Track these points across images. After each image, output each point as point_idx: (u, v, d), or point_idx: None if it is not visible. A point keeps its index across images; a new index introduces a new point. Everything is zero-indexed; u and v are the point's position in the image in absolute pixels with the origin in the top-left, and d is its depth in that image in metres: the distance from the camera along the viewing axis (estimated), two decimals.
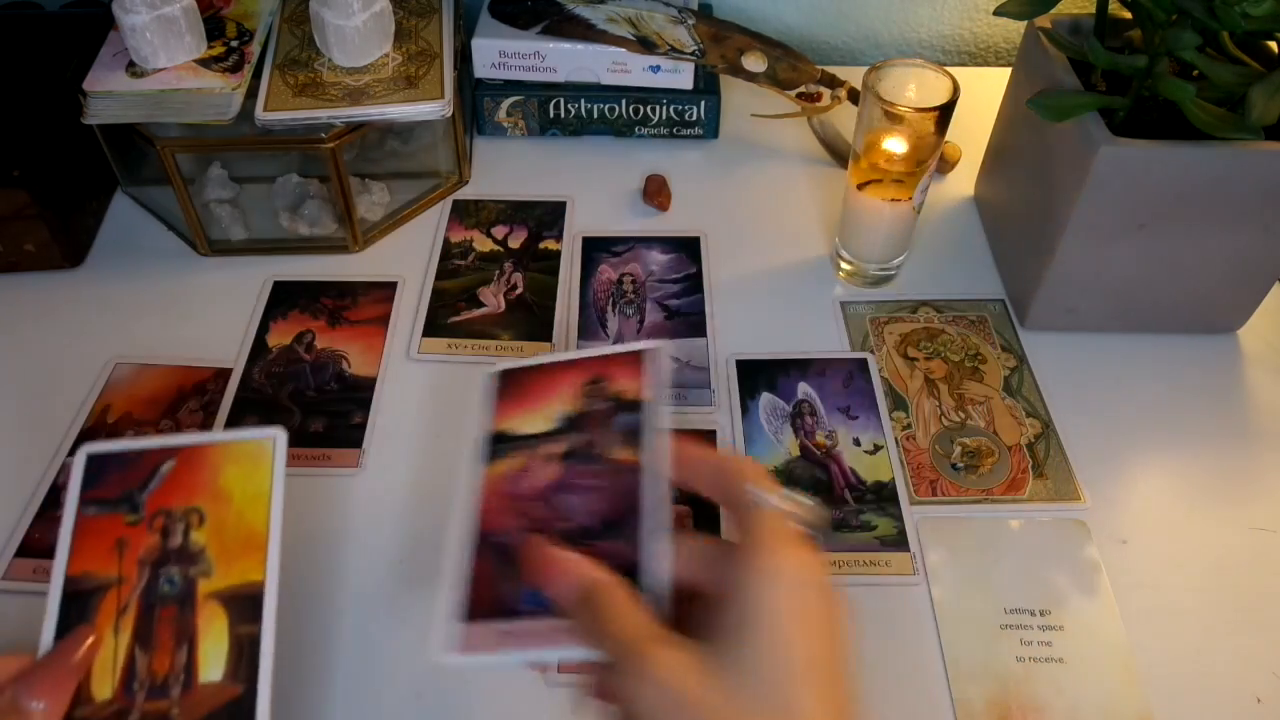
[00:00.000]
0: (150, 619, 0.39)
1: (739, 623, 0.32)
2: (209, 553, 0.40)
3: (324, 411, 0.57)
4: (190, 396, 0.57)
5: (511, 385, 0.46)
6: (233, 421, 0.56)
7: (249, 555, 0.40)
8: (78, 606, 0.39)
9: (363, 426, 0.56)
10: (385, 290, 0.64)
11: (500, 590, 0.39)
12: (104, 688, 0.38)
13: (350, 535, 0.52)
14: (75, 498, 0.41)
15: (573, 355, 0.45)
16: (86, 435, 0.55)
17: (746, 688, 0.31)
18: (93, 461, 0.42)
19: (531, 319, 0.62)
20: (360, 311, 0.62)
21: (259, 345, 0.60)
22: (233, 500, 0.41)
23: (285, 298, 0.63)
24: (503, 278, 0.65)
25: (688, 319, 0.62)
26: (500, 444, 0.44)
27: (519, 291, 0.64)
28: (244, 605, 0.39)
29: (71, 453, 0.54)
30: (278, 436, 0.42)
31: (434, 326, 0.62)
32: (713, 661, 0.32)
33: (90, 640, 0.38)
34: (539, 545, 0.37)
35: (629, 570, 0.37)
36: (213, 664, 0.38)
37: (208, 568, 0.40)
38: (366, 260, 0.66)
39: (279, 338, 0.61)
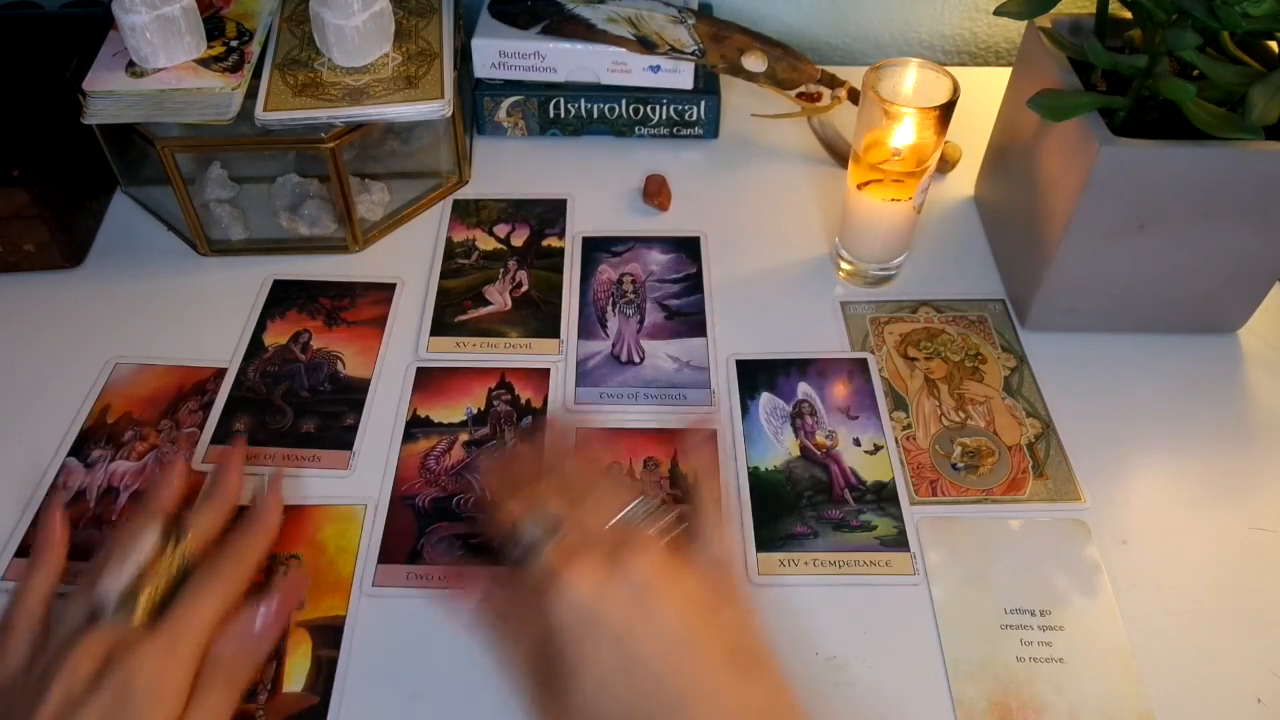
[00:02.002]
0: None
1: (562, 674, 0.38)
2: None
3: (316, 412, 0.57)
4: (190, 396, 0.57)
5: (427, 379, 0.58)
6: (225, 420, 0.56)
7: (335, 594, 0.48)
8: None
9: (354, 429, 0.56)
10: (384, 291, 0.64)
11: (411, 541, 0.51)
12: None
13: None
14: None
15: (484, 364, 0.59)
16: (86, 435, 0.55)
17: None
18: None
19: (539, 316, 0.62)
20: (358, 312, 0.62)
21: (255, 344, 0.60)
22: (326, 550, 0.50)
23: (284, 297, 0.63)
24: (508, 275, 0.65)
25: (688, 318, 0.62)
26: (416, 427, 0.56)
27: (525, 289, 0.64)
28: (327, 633, 0.47)
29: (71, 452, 0.54)
30: (369, 505, 0.52)
31: (441, 325, 0.62)
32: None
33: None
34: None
35: None
36: (296, 677, 0.45)
37: (301, 602, 0.48)
38: (367, 260, 0.66)
39: (275, 337, 0.61)
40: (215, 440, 0.55)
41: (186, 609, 0.41)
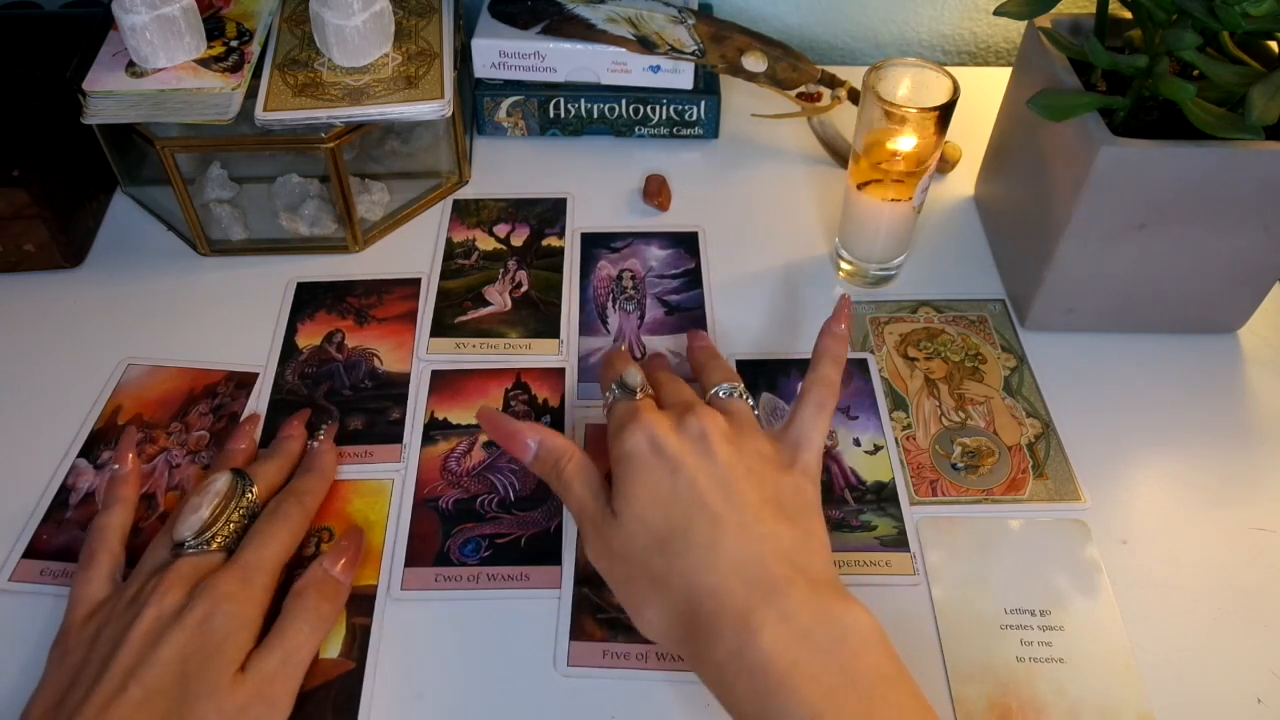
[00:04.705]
0: None
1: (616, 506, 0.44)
2: None
3: (362, 409, 0.57)
4: (200, 399, 0.57)
5: (443, 382, 0.58)
6: (270, 424, 0.56)
7: (367, 565, 0.50)
8: None
9: (401, 422, 0.56)
10: (409, 287, 0.64)
11: (437, 543, 0.51)
12: None
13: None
14: None
15: (498, 365, 0.59)
16: (97, 436, 0.55)
17: (621, 563, 0.43)
18: None
19: (539, 316, 0.62)
20: (387, 309, 0.63)
21: (288, 347, 0.60)
22: (356, 523, 0.51)
23: (310, 299, 0.63)
24: (507, 276, 0.65)
25: (688, 314, 0.62)
26: (434, 429, 0.56)
27: (525, 289, 0.64)
28: (360, 602, 0.48)
29: (81, 453, 0.54)
30: (395, 479, 0.53)
31: (441, 326, 0.62)
32: (607, 541, 0.44)
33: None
34: (495, 415, 0.49)
35: (544, 537, 0.51)
36: (332, 644, 0.47)
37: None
38: (368, 260, 0.66)
39: (308, 339, 0.61)
40: (263, 445, 0.55)
41: (256, 547, 0.46)
